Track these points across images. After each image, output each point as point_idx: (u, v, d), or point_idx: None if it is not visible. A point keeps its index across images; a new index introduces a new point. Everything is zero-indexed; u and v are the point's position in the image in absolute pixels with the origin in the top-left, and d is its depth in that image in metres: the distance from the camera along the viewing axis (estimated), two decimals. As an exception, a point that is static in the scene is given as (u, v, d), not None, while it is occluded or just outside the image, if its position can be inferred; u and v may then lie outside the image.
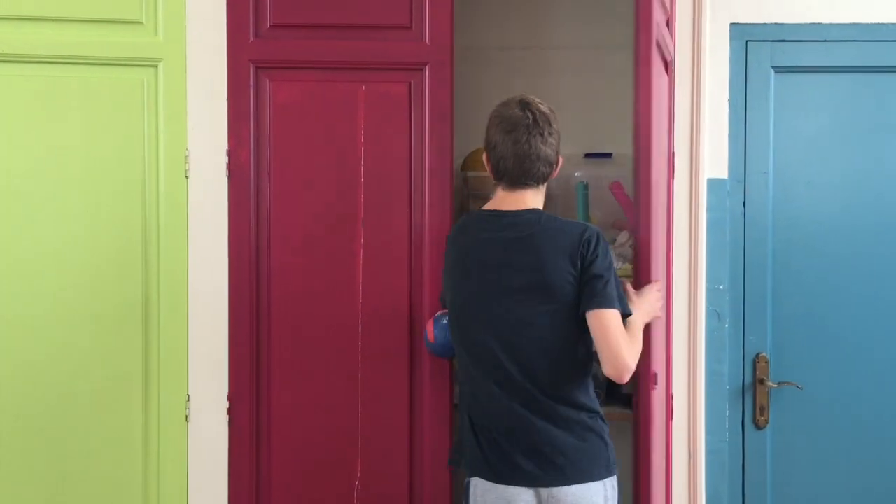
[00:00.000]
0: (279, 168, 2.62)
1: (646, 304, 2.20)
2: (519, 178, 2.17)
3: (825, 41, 2.72)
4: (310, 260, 2.62)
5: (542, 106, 2.18)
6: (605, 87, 3.16)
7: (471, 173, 2.92)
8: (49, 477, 2.63)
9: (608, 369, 2.06)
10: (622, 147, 2.98)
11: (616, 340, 2.05)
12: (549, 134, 2.17)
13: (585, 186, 2.97)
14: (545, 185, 2.23)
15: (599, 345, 2.07)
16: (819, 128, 2.76)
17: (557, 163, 2.21)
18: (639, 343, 2.12)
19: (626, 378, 2.06)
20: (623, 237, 2.92)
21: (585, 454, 2.12)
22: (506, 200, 2.20)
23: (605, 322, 2.06)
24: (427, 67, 2.58)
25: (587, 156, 3.13)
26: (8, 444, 2.62)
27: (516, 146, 2.14)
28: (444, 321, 2.43)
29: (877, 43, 2.71)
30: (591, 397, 2.17)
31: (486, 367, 2.15)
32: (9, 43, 2.59)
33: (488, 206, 2.23)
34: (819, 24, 2.72)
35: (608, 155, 3.07)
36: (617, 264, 2.64)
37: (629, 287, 2.23)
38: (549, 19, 3.18)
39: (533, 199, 2.20)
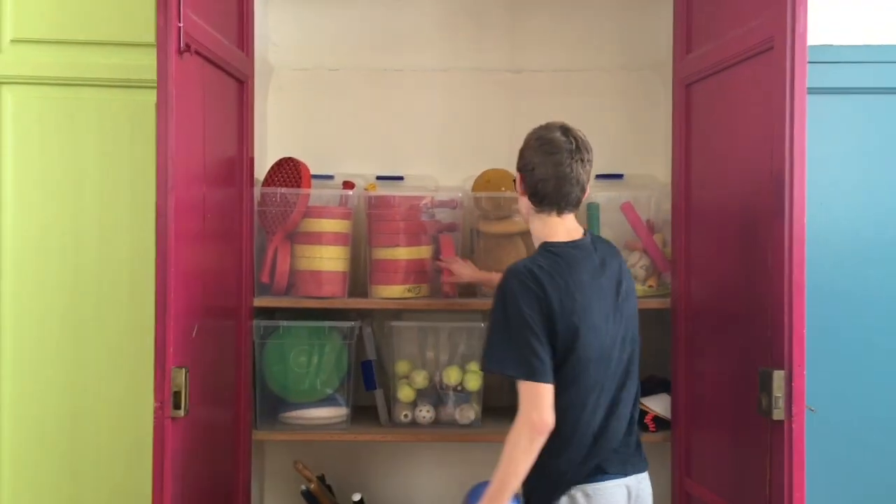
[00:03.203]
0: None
1: None
2: (562, 203, 2.19)
3: (836, 62, 2.72)
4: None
5: (580, 133, 2.21)
6: (618, 109, 3.17)
7: (482, 194, 2.93)
8: (62, 484, 2.67)
9: None
10: (633, 168, 2.99)
11: None
12: (588, 161, 2.20)
13: (597, 207, 2.97)
14: None
15: None
16: (831, 148, 2.75)
17: (587, 191, 2.23)
18: None
19: None
20: (635, 257, 2.91)
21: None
22: (571, 231, 2.23)
23: None
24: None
25: (599, 177, 3.12)
26: (22, 451, 2.66)
27: (557, 168, 2.16)
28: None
29: (888, 64, 2.72)
30: None
31: (609, 394, 2.18)
32: (26, 65, 2.64)
33: (555, 238, 2.21)
34: (830, 45, 2.72)
35: (619, 176, 3.08)
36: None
37: None
38: (567, 41, 3.17)
39: (578, 224, 2.26)
